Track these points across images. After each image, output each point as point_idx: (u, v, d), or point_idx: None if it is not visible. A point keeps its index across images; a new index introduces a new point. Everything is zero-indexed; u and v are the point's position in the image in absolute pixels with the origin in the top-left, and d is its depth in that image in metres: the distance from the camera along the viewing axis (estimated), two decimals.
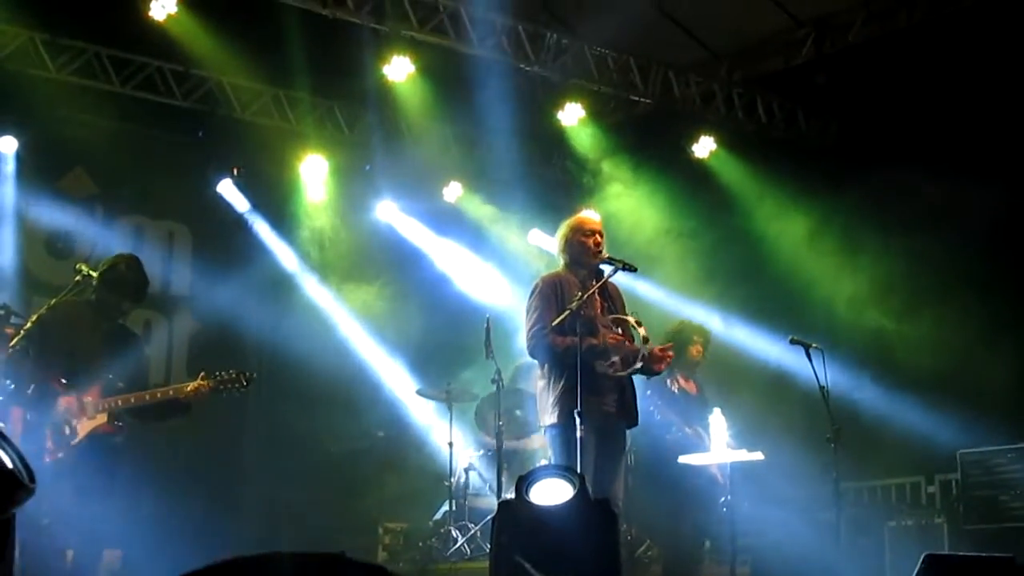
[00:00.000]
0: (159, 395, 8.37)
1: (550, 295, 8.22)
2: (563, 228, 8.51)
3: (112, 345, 8.46)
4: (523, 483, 6.83)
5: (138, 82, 12.65)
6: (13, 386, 8.13)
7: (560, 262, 8.53)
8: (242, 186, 13.35)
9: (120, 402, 8.26)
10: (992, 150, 11.72)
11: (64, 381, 8.22)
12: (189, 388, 8.40)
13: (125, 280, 8.59)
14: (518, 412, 11.99)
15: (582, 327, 7.93)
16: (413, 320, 13.66)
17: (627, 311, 8.42)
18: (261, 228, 13.57)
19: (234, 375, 8.45)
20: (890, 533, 11.40)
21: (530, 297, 8.33)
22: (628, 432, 8.39)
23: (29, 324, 8.26)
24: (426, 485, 12.47)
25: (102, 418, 8.22)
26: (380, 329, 13.70)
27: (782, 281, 12.71)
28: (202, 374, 8.45)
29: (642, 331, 8.02)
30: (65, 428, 8.17)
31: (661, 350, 8.16)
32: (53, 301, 8.39)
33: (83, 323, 8.48)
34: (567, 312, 7.93)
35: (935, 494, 11.68)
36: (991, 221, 11.50)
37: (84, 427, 8.21)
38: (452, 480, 11.83)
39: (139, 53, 12.53)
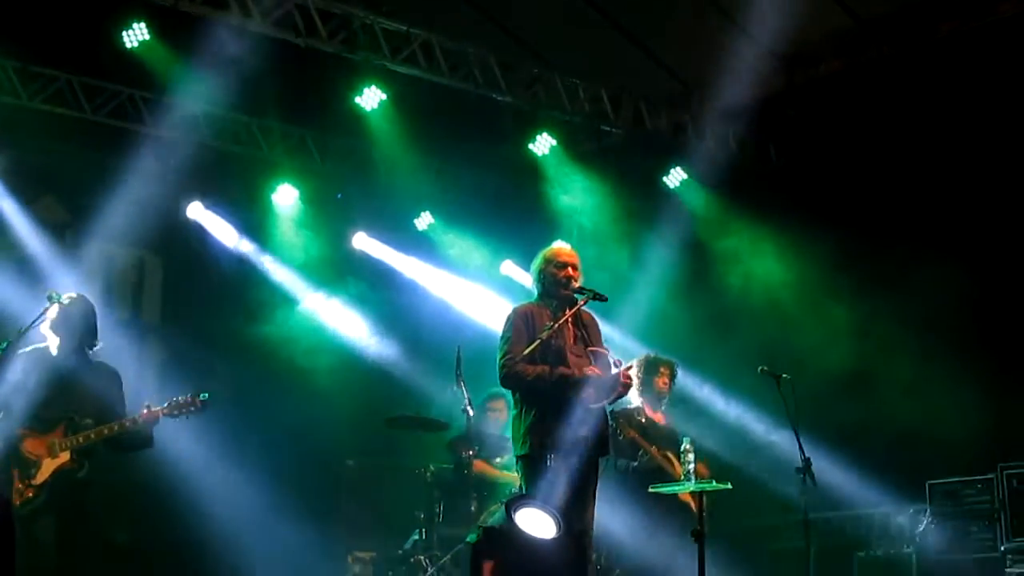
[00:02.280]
0: (116, 428, 8.51)
1: (521, 326, 8.26)
2: (537, 259, 8.58)
3: (78, 384, 8.57)
4: (509, 510, 6.90)
5: (110, 109, 12.64)
6: None
7: (535, 293, 8.59)
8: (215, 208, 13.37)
9: (81, 439, 8.42)
10: (966, 182, 11.79)
11: (28, 426, 8.36)
12: (141, 416, 8.53)
13: (78, 317, 8.71)
14: (488, 442, 11.98)
15: (552, 357, 7.99)
16: (384, 348, 13.67)
17: (602, 341, 8.50)
18: (235, 255, 13.57)
19: (188, 399, 8.65)
20: (860, 563, 11.43)
21: (503, 328, 8.37)
22: (600, 460, 8.41)
23: None
24: (396, 513, 12.43)
25: (64, 456, 8.41)
26: (351, 357, 13.69)
27: (751, 313, 12.76)
28: (147, 403, 8.58)
29: (613, 361, 8.10)
30: (31, 469, 8.32)
31: (622, 372, 8.21)
32: (24, 328, 8.42)
33: (47, 362, 8.59)
34: (537, 342, 7.99)
35: (904, 524, 11.71)
36: (967, 255, 11.57)
37: (48, 466, 8.37)
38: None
39: (111, 80, 12.52)
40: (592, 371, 8.14)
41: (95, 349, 8.82)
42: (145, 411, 8.57)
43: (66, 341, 8.68)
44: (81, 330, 8.73)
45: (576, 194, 13.60)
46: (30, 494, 8.32)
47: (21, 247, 12.41)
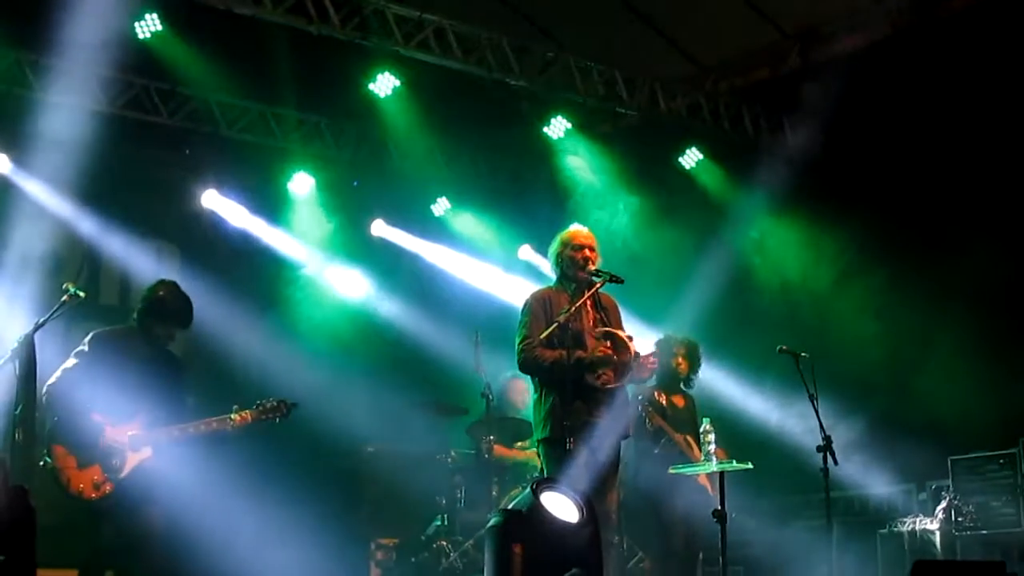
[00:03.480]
0: (203, 428, 8.48)
1: (539, 310, 8.31)
2: (555, 243, 8.62)
3: (157, 376, 8.53)
4: (536, 492, 6.91)
5: (125, 101, 12.63)
6: (57, 418, 8.24)
7: (553, 277, 8.61)
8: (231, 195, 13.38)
9: (166, 436, 8.35)
10: (981, 162, 11.73)
11: (106, 414, 8.31)
12: (235, 420, 8.51)
13: (167, 307, 8.65)
14: (509, 425, 11.98)
15: (570, 341, 7.99)
16: (406, 334, 13.67)
17: (622, 324, 8.48)
18: (252, 242, 13.56)
19: (275, 403, 8.75)
20: (882, 540, 11.42)
21: (521, 313, 8.39)
22: (621, 443, 8.42)
23: (82, 348, 8.42)
24: (418, 500, 12.43)
25: (147, 451, 8.34)
26: (373, 343, 13.69)
27: (770, 292, 12.72)
28: (236, 407, 8.57)
29: (632, 345, 8.09)
30: (114, 461, 8.26)
31: (644, 358, 8.26)
32: (41, 320, 8.37)
33: (130, 353, 8.53)
34: (554, 325, 8.01)
35: (926, 501, 11.68)
36: (987, 235, 11.52)
37: (130, 460, 8.32)
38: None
39: (125, 72, 12.51)
40: (608, 353, 8.14)
41: (172, 340, 8.80)
42: (237, 416, 8.55)
43: (152, 330, 8.62)
44: (170, 319, 8.68)
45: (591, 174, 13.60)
46: (109, 489, 8.26)
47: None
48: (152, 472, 8.41)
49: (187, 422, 8.52)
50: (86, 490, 8.20)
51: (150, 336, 8.67)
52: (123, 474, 8.31)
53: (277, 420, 8.75)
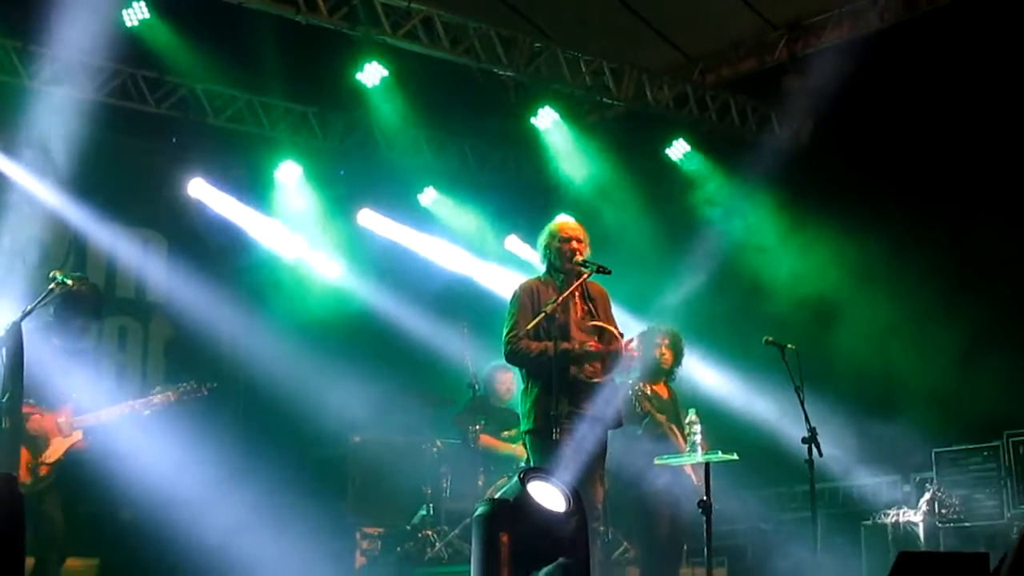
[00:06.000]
0: (127, 410, 8.62)
1: (527, 302, 8.36)
2: (543, 234, 8.66)
3: (83, 364, 8.68)
4: (523, 482, 6.94)
5: (112, 89, 12.60)
6: None
7: (541, 268, 8.64)
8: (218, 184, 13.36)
9: (93, 420, 8.51)
10: (972, 153, 11.74)
11: (32, 403, 8.43)
12: (154, 401, 8.69)
13: (81, 299, 8.77)
14: (495, 415, 12.00)
15: (556, 332, 8.03)
16: (393, 323, 13.67)
17: (612, 314, 8.53)
18: (237, 232, 13.54)
19: (195, 385, 8.93)
20: (866, 532, 11.45)
21: (509, 304, 8.44)
22: (608, 434, 8.43)
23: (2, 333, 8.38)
24: (404, 489, 12.45)
25: (77, 435, 8.53)
26: (359, 333, 13.69)
27: (757, 284, 12.74)
28: (158, 388, 8.76)
29: (619, 339, 8.15)
30: (40, 446, 8.42)
31: (624, 346, 8.34)
32: (28, 308, 8.41)
33: (46, 343, 8.66)
34: (540, 316, 8.05)
35: (910, 493, 11.72)
36: (976, 227, 11.55)
37: (60, 445, 8.47)
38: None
39: (112, 60, 12.48)
40: (594, 345, 8.18)
41: (92, 330, 8.94)
42: (157, 396, 8.70)
43: (70, 322, 8.74)
44: (85, 312, 8.80)
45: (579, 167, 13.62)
46: (43, 472, 8.50)
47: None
48: (91, 455, 8.59)
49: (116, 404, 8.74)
50: (21, 475, 8.30)
51: (68, 327, 8.81)
52: (52, 459, 8.51)
53: (199, 397, 9.05)
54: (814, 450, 9.04)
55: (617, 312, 8.81)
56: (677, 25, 13.28)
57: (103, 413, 8.68)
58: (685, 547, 10.07)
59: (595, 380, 8.20)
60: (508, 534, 6.74)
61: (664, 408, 10.07)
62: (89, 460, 8.72)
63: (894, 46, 12.06)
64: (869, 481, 12.14)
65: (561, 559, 6.72)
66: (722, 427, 10.80)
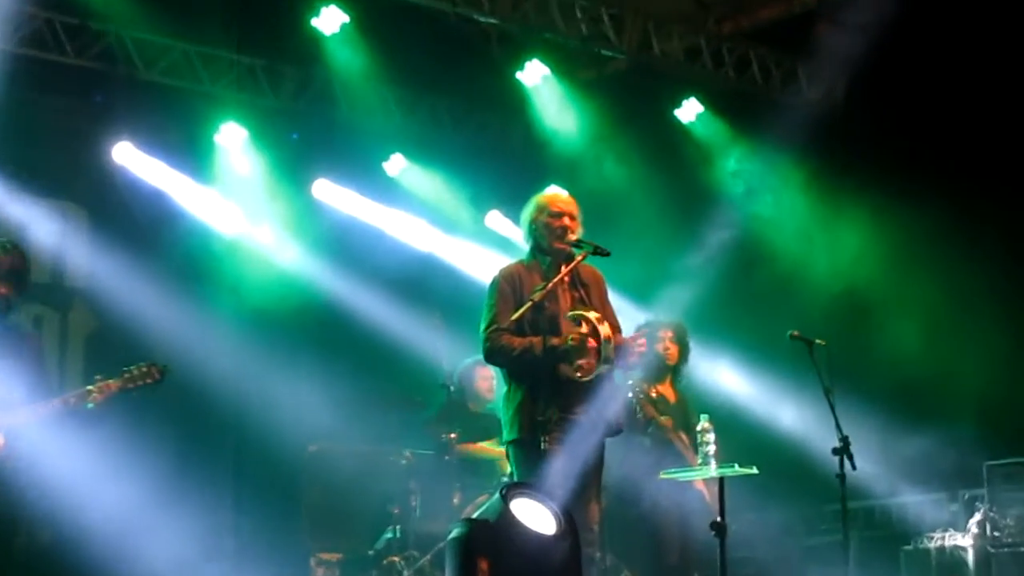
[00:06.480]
0: (59, 404, 8.44)
1: (507, 290, 8.35)
2: (528, 208, 8.63)
3: (5, 355, 8.53)
4: (506, 499, 6.97)
5: (24, 37, 12.57)
6: None
7: (526, 248, 8.66)
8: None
9: (19, 419, 8.34)
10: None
11: None
12: (95, 393, 8.47)
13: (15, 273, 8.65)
14: (473, 421, 12.03)
15: (544, 325, 8.06)
16: (354, 313, 13.69)
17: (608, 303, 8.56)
18: (171, 206, 13.53)
19: (144, 368, 8.58)
20: (907, 558, 11.52)
21: (487, 293, 8.44)
22: (605, 443, 8.48)
23: None
24: (366, 508, 12.47)
25: None
26: (314, 323, 13.71)
27: (782, 269, 12.78)
28: (97, 377, 8.53)
29: (603, 329, 8.11)
30: None
31: (631, 339, 8.33)
32: None
33: None
34: (528, 304, 8.01)
35: (958, 513, 11.79)
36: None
37: None
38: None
39: (24, 2, 12.45)
40: (583, 338, 8.14)
41: (13, 309, 8.78)
42: (96, 388, 8.53)
43: None
44: (12, 283, 8.67)
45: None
46: None
47: None
48: (13, 460, 8.44)
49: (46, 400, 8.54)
50: None
51: None
52: None
53: (150, 387, 8.69)
54: (846, 462, 9.00)
55: (616, 301, 8.82)
56: None
57: (28, 411, 8.36)
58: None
59: (588, 379, 8.17)
60: (488, 560, 6.75)
61: (671, 413, 10.12)
62: (2, 471, 8.62)
63: None
64: (910, 499, 12.23)
65: None
66: (739, 435, 10.85)
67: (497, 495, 7.21)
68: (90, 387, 8.54)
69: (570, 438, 8.08)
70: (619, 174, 13.55)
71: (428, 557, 11.32)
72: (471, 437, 11.82)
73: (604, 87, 14.08)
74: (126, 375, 8.56)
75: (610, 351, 8.08)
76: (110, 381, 8.52)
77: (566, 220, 8.43)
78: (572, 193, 8.76)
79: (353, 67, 13.28)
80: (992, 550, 11.14)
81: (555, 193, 8.68)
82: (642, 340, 8.42)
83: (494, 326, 8.26)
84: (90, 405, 8.48)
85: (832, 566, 10.36)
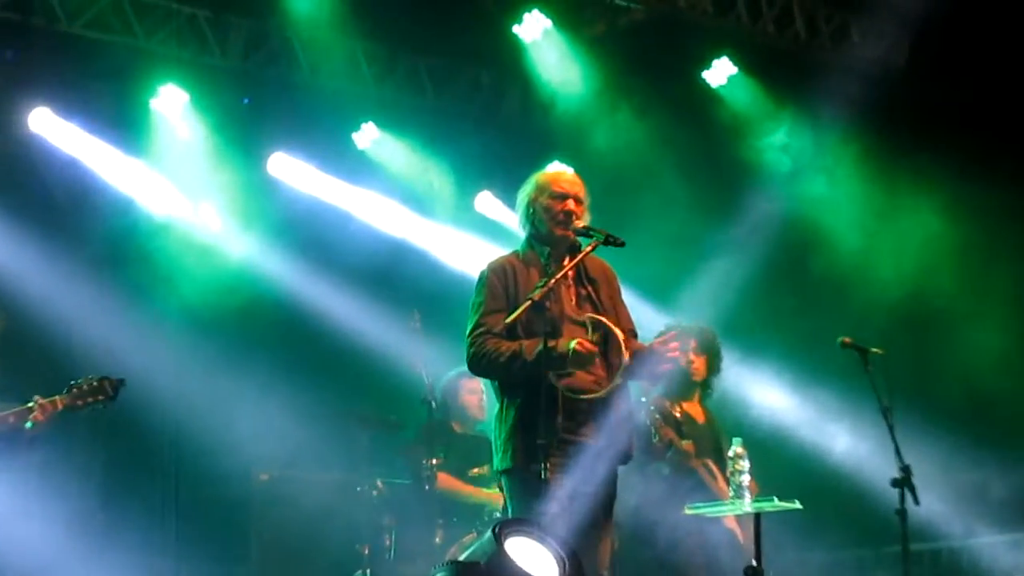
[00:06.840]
0: None
1: (498, 287, 8.30)
2: (526, 188, 8.54)
3: None
4: (499, 538, 7.01)
5: None
6: None
7: (522, 237, 8.53)
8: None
9: None
10: None
11: None
12: (37, 413, 8.43)
13: None
14: (460, 444, 11.96)
15: (544, 327, 7.91)
16: (315, 313, 13.61)
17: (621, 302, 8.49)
18: (98, 181, 13.46)
19: (95, 383, 8.65)
20: None
21: (474, 291, 8.35)
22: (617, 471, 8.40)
23: None
24: (330, 548, 12.42)
25: None
26: (267, 326, 13.62)
27: (833, 263, 12.71)
28: (37, 397, 8.49)
29: (618, 333, 8.05)
30: None
31: (660, 342, 8.23)
32: None
33: None
34: (525, 304, 7.90)
35: None
36: None
37: None
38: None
39: None
40: (589, 347, 8.01)
41: None
42: (39, 408, 8.48)
43: None
44: None
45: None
46: None
47: None
48: None
49: None
50: None
51: None
52: None
53: (101, 405, 8.65)
54: (907, 496, 8.95)
55: (631, 302, 8.71)
56: None
57: None
58: None
59: (596, 395, 8.04)
60: None
61: (697, 435, 10.06)
62: None
63: None
64: (984, 540, 12.19)
65: None
66: (780, 463, 10.84)
67: (489, 533, 7.21)
68: (30, 404, 8.51)
69: (575, 465, 7.97)
70: (635, 149, 13.48)
71: None
72: (456, 464, 11.76)
73: (617, 43, 14.02)
74: (74, 390, 8.68)
75: (626, 363, 7.95)
76: (56, 398, 8.51)
77: (571, 203, 8.33)
78: (578, 171, 8.71)
79: (316, 19, 13.34)
80: None
81: (558, 171, 8.86)
82: (674, 344, 8.23)
83: (481, 329, 8.15)
84: (30, 425, 8.47)
85: None
